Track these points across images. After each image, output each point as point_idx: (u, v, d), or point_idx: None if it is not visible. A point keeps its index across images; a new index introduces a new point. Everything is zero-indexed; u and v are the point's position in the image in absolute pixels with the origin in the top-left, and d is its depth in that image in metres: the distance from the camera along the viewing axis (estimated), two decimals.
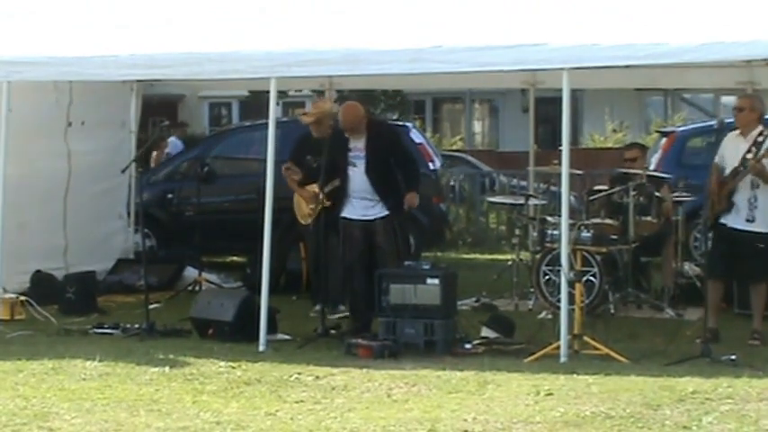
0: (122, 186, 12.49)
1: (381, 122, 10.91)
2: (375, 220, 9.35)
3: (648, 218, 10.74)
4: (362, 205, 9.36)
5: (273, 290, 9.27)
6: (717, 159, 9.26)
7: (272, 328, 9.08)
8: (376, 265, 9.26)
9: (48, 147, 11.58)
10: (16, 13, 10.54)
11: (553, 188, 12.76)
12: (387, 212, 9.34)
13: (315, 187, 10.14)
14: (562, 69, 8.39)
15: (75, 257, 11.70)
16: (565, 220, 8.52)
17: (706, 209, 9.11)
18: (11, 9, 10.65)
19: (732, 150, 9.06)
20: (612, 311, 10.34)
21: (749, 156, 8.90)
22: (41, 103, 11.23)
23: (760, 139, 8.96)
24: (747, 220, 8.95)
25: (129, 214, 12.78)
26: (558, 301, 8.68)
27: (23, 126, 10.69)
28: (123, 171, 10.87)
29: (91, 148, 12.03)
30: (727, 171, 9.03)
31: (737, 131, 9.16)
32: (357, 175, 9.35)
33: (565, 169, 8.58)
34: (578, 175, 12.42)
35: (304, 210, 10.64)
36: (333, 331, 9.28)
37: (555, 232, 10.42)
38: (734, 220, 8.95)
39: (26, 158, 11.12)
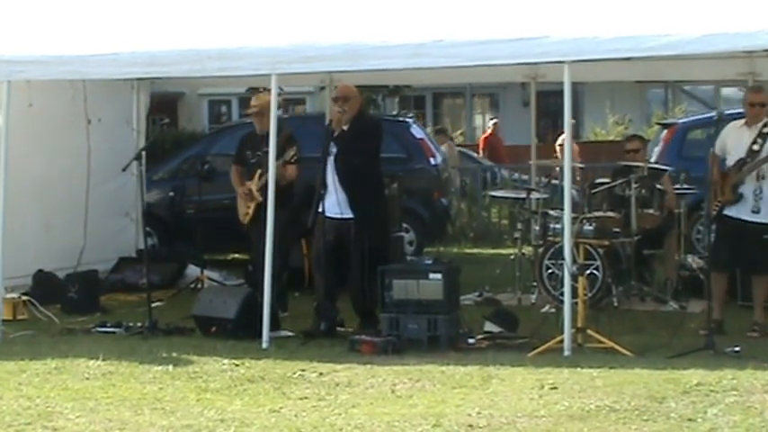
0: (129, 184, 12.51)
1: (368, 117, 10.81)
2: (348, 220, 9.19)
3: (651, 210, 10.73)
4: (337, 200, 9.17)
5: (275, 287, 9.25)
6: (716, 150, 9.24)
7: (274, 325, 9.07)
8: (345, 266, 9.20)
9: (71, 144, 11.70)
10: (16, 11, 10.52)
11: (555, 182, 12.75)
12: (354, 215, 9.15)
13: (251, 184, 10.17)
14: (563, 62, 8.38)
15: (90, 256, 11.72)
16: (567, 214, 8.51)
17: (708, 200, 9.08)
18: (11, 8, 10.64)
19: (735, 141, 9.03)
20: (616, 304, 10.32)
21: (756, 147, 8.88)
22: (61, 99, 11.34)
23: (766, 130, 8.94)
24: (753, 212, 8.94)
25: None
26: (561, 294, 8.68)
27: (47, 123, 10.79)
28: (124, 169, 10.86)
29: (106, 145, 12.10)
30: (730, 162, 9.01)
31: (741, 122, 9.13)
32: (330, 164, 9.22)
33: (567, 162, 8.57)
34: (580, 168, 12.41)
35: (242, 209, 10.41)
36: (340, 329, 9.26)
37: (557, 226, 10.40)
38: (738, 212, 8.92)
39: (52, 156, 11.28)
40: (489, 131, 22.59)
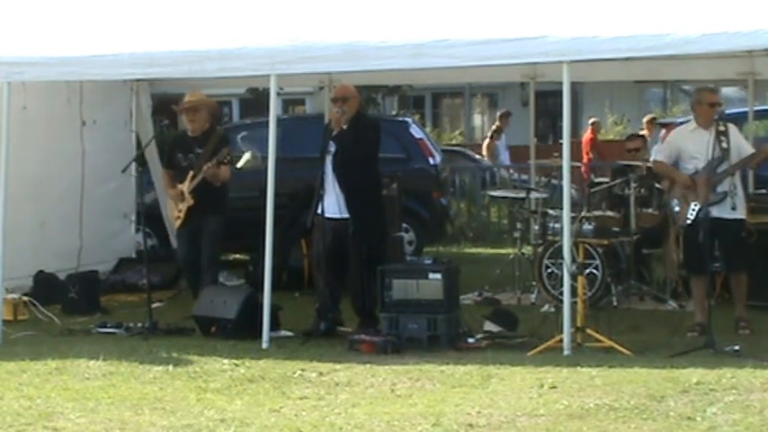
0: (128, 186, 12.52)
1: (367, 117, 10.78)
2: (347, 220, 9.15)
3: (650, 210, 10.75)
4: (336, 201, 9.14)
5: (276, 287, 9.26)
6: (663, 157, 9.26)
7: (274, 325, 9.09)
8: (346, 266, 9.19)
9: (65, 146, 11.69)
10: (16, 12, 10.52)
11: (554, 181, 12.76)
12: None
13: (183, 187, 10.08)
14: (562, 62, 8.39)
15: (88, 257, 11.72)
16: (566, 213, 8.52)
17: (681, 205, 9.02)
18: (10, 9, 10.64)
19: (697, 145, 8.99)
20: (615, 304, 10.35)
21: (725, 146, 8.88)
22: (56, 101, 11.35)
23: (722, 128, 8.95)
24: (732, 209, 8.93)
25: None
26: (561, 294, 8.68)
27: (41, 125, 10.78)
28: (124, 170, 10.87)
29: (101, 147, 12.10)
30: (694, 165, 8.97)
31: (690, 126, 9.16)
32: (329, 163, 9.20)
33: (566, 162, 8.58)
34: (579, 167, 12.43)
35: (173, 212, 10.31)
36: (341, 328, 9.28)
37: (556, 225, 10.41)
38: (720, 211, 8.86)
39: (46, 158, 11.27)
40: (590, 132, 20.49)
